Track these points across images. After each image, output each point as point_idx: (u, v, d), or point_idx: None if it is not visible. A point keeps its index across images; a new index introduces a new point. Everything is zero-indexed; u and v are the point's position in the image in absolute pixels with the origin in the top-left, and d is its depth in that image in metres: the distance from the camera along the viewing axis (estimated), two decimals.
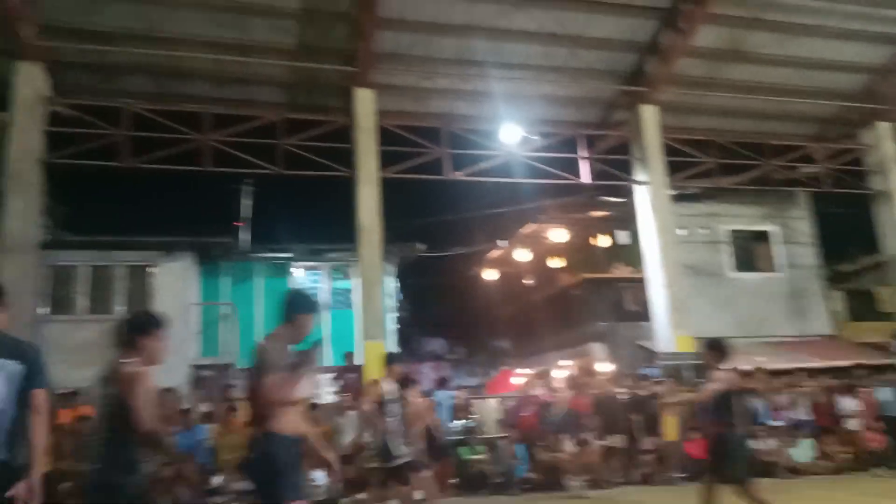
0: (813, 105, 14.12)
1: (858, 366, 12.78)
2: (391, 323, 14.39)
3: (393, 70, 11.79)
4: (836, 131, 15.11)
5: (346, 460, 9.07)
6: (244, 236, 13.29)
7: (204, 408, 10.54)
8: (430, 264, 18.45)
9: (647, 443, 10.24)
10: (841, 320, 16.61)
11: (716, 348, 5.60)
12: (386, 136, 11.83)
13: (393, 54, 11.64)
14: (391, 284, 14.62)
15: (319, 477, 8.62)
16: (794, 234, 16.75)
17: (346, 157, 11.61)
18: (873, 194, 14.61)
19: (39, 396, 3.17)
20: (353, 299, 14.01)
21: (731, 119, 14.33)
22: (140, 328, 3.27)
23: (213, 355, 12.92)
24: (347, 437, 9.20)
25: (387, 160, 11.78)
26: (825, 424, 11.03)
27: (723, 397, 5.37)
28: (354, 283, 14.10)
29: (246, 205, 13.16)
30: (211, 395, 11.69)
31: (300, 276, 14.10)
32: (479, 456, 9.97)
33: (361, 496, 8.46)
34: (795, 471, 10.27)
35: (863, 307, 17.03)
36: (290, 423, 3.42)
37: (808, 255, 16.78)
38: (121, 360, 3.16)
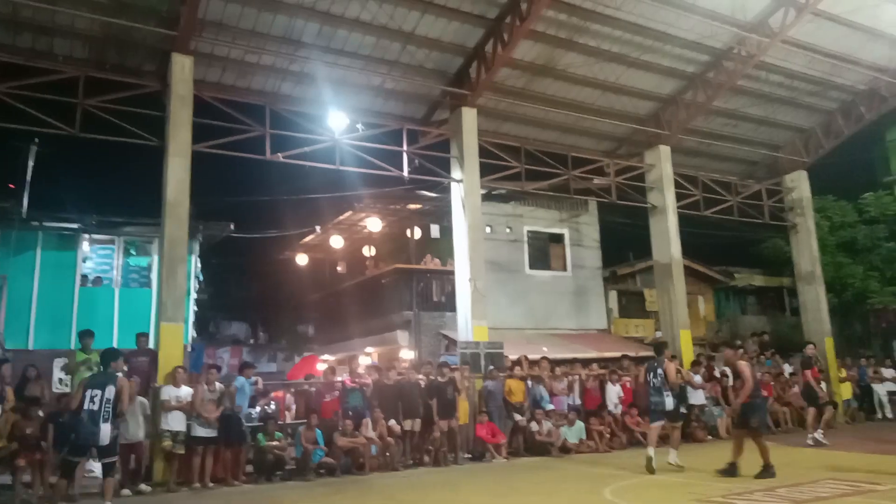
0: (610, 124, 16.84)
1: (625, 357, 15.73)
2: (191, 304, 14.47)
3: (217, 40, 11.92)
4: (626, 150, 18.11)
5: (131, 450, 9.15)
6: (26, 202, 12.45)
7: None
8: (239, 244, 18.50)
9: (442, 426, 11.74)
10: (613, 317, 19.96)
11: None
12: (203, 108, 11.91)
13: (219, 23, 11.79)
14: (194, 263, 14.63)
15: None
16: (582, 237, 19.85)
17: (157, 126, 11.54)
18: (650, 208, 17.66)
19: None
20: (151, 277, 13.85)
21: (540, 129, 16.62)
22: None
23: None
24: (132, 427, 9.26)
25: (202, 133, 11.86)
26: (592, 408, 13.57)
27: None
28: (153, 261, 13.95)
29: (31, 167, 12.33)
30: None
31: (88, 249, 13.52)
32: (275, 442, 10.60)
33: None
34: (566, 450, 12.55)
35: (632, 305, 20.69)
36: None
37: (593, 257, 20.01)
38: None
